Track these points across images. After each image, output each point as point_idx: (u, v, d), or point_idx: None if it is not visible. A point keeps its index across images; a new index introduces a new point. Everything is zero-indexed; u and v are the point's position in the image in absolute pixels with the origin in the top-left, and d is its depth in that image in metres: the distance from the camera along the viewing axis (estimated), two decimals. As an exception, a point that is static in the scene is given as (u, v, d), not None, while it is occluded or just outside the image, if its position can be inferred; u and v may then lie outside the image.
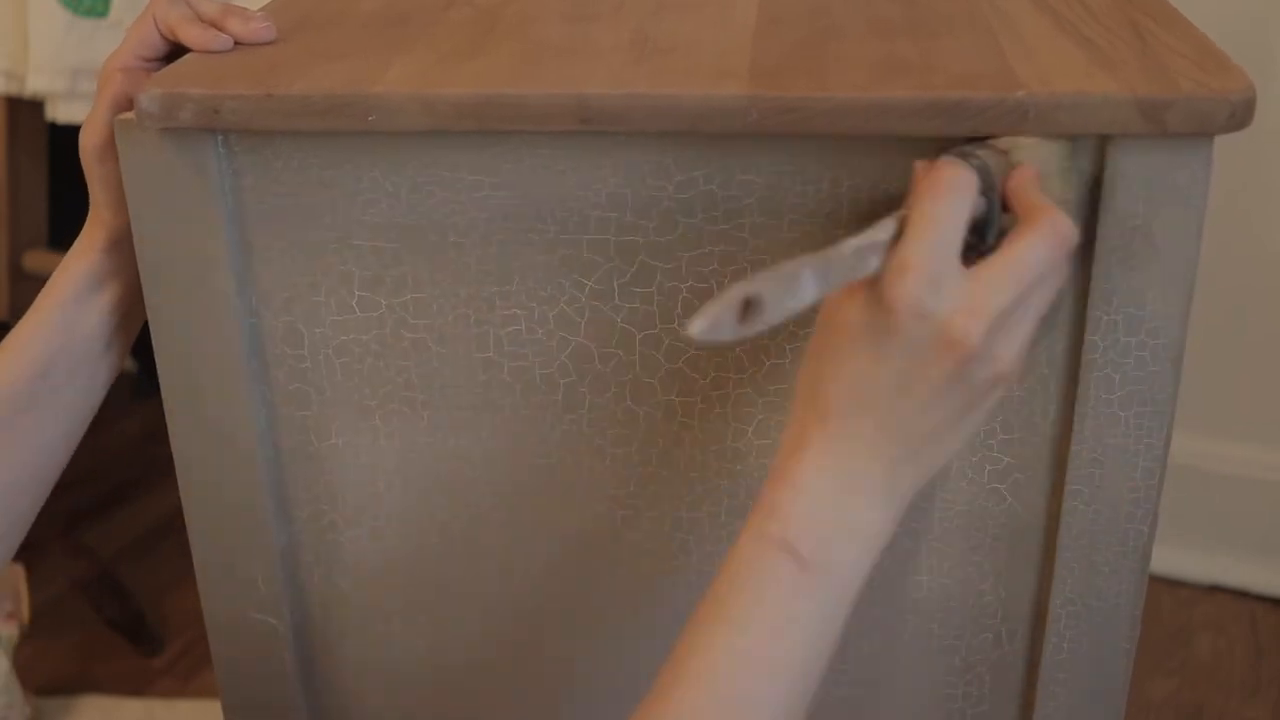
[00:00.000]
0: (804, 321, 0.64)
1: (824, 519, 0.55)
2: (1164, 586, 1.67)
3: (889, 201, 0.61)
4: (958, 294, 0.52)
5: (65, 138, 1.32)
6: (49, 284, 0.71)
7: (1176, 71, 0.58)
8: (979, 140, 0.57)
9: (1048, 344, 0.63)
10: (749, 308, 0.50)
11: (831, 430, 0.55)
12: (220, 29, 0.66)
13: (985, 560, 0.68)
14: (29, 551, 1.60)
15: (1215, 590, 1.68)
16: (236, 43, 0.66)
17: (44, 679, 1.56)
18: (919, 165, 0.56)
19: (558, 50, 0.64)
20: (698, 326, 0.49)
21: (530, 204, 0.62)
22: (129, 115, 0.63)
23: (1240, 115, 0.56)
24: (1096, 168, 0.59)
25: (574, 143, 0.61)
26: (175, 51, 0.68)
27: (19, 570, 1.48)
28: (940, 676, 0.72)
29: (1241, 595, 1.68)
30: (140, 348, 0.74)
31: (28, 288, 1.65)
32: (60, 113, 1.52)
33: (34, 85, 1.52)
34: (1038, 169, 0.57)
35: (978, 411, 0.56)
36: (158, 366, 0.68)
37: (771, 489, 0.55)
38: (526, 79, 0.60)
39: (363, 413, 0.68)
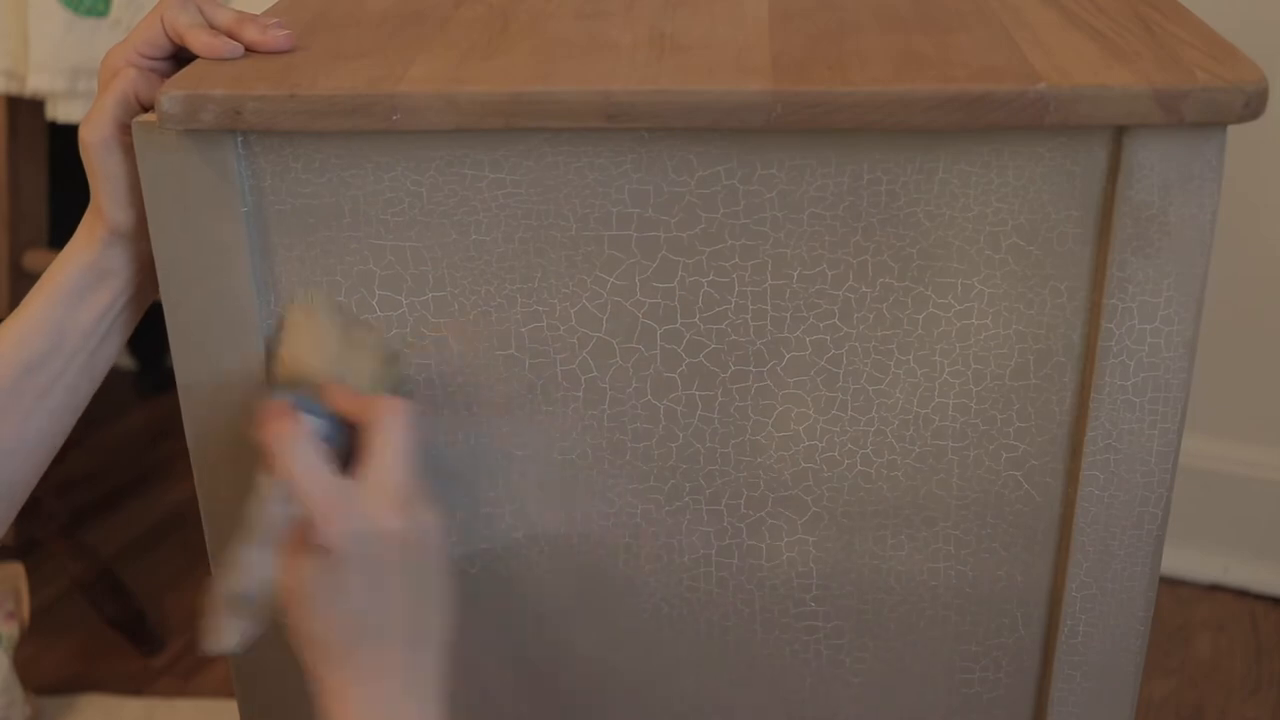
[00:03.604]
0: (824, 314, 0.64)
1: None
2: (1164, 586, 1.67)
3: (907, 195, 0.61)
4: (363, 502, 0.60)
5: (65, 137, 1.31)
6: (42, 280, 0.70)
7: (1190, 62, 0.59)
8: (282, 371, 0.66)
9: (1064, 331, 0.64)
10: (233, 606, 0.61)
11: (350, 674, 0.62)
12: (235, 37, 0.65)
13: (1001, 546, 0.69)
14: (29, 551, 1.61)
15: (1215, 590, 1.69)
16: (249, 50, 0.65)
17: (44, 679, 1.56)
18: (260, 426, 0.62)
19: (576, 48, 0.64)
20: (213, 646, 0.61)
21: (552, 201, 0.63)
22: (149, 117, 0.63)
23: (1254, 105, 0.57)
24: (1113, 159, 0.60)
25: (596, 139, 0.61)
26: (179, 52, 0.67)
27: (19, 570, 1.48)
28: (956, 662, 0.72)
29: (1241, 595, 1.68)
30: (140, 347, 0.74)
31: (28, 287, 1.62)
32: (60, 112, 1.52)
33: (34, 84, 1.51)
34: (347, 382, 0.65)
35: (439, 575, 0.63)
36: (175, 367, 0.68)
37: None
38: (550, 76, 0.60)
39: (383, 410, 0.68)
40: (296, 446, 0.60)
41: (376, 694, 0.62)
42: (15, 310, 0.70)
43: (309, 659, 0.62)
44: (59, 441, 0.73)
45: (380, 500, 0.61)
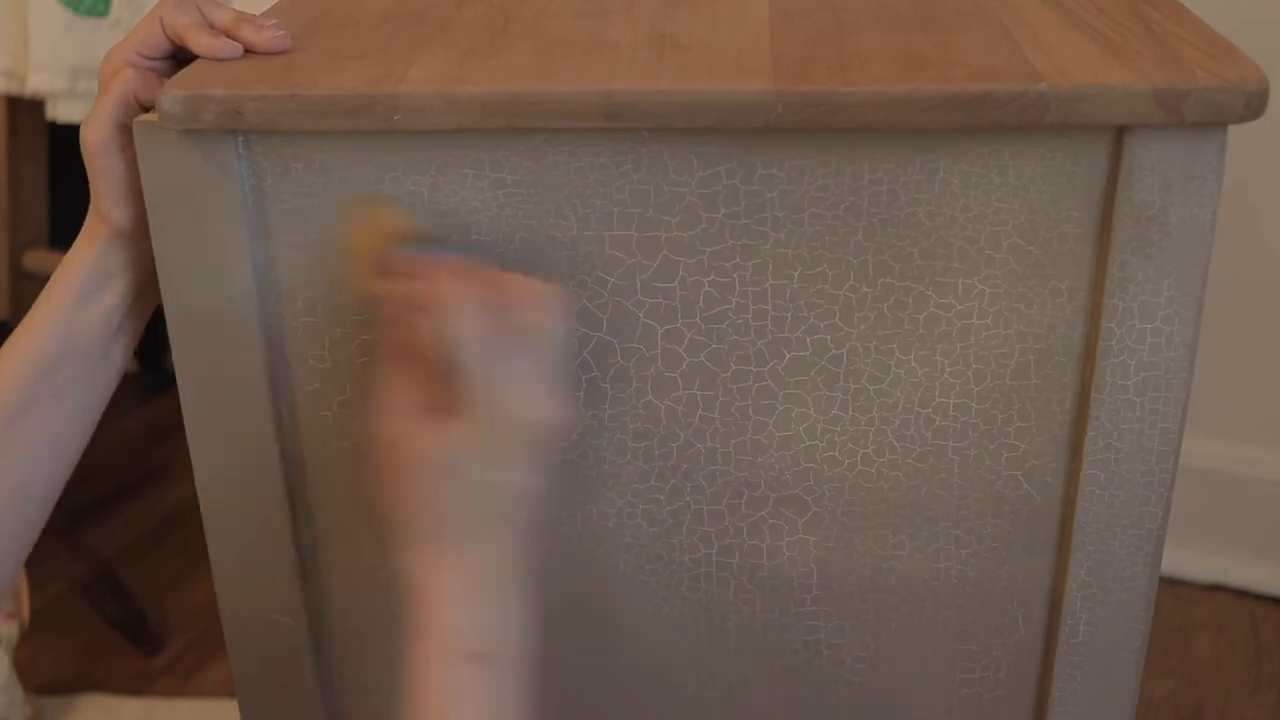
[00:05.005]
0: (824, 313, 0.64)
1: (493, 620, 0.62)
2: (1164, 586, 1.68)
3: (908, 195, 0.62)
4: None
5: (65, 137, 1.32)
6: (49, 285, 0.71)
7: (1190, 62, 0.59)
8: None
9: (1065, 331, 0.64)
10: None
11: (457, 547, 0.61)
12: (232, 37, 0.65)
13: (1001, 546, 0.69)
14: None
15: (1215, 590, 1.69)
16: (248, 51, 0.65)
17: (44, 679, 1.56)
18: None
19: (577, 48, 0.64)
20: None
21: (552, 201, 0.63)
22: (150, 117, 0.63)
23: (1255, 105, 0.57)
24: (1113, 159, 0.60)
25: (597, 139, 0.61)
26: (178, 52, 0.67)
27: (19, 570, 1.48)
28: (957, 662, 0.72)
29: (1241, 595, 1.69)
30: (140, 347, 0.73)
31: (28, 287, 1.65)
32: (60, 112, 1.52)
33: (34, 84, 1.51)
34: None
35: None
36: (176, 368, 0.68)
37: (435, 612, 0.60)
38: (551, 76, 0.61)
39: (384, 410, 0.68)
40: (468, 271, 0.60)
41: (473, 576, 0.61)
42: (24, 319, 0.71)
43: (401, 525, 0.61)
44: (79, 447, 0.73)
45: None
